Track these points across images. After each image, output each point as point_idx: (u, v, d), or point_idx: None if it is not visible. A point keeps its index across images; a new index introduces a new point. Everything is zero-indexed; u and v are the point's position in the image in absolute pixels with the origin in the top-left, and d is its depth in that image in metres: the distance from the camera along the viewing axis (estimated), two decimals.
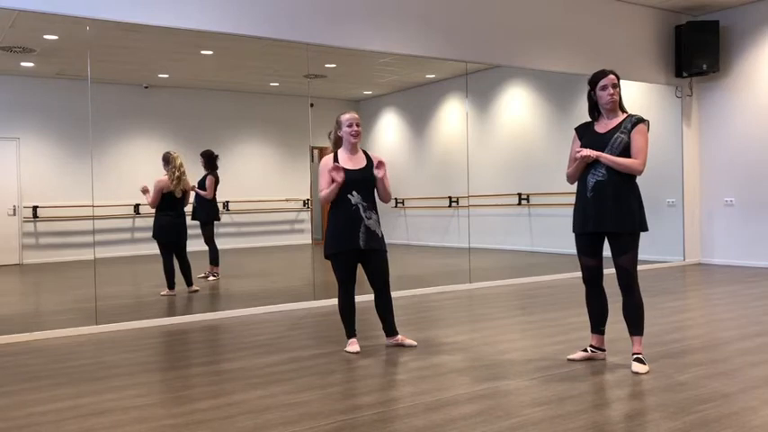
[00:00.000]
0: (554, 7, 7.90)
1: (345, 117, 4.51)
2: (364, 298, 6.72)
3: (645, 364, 3.78)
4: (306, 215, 10.25)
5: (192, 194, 7.45)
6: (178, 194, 6.88)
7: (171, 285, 6.87)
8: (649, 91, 9.34)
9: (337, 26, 6.45)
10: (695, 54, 8.74)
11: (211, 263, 7.81)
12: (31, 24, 6.73)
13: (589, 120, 4.03)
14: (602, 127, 3.91)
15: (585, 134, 3.97)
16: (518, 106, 10.98)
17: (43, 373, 4.06)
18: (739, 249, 8.89)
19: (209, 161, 7.79)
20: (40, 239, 9.44)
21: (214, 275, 7.81)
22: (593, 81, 3.91)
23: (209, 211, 7.74)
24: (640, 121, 3.84)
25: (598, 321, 4.02)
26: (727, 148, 9.00)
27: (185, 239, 7.02)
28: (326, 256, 4.49)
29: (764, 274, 8.02)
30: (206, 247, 7.75)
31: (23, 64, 8.82)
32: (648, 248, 9.86)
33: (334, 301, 6.38)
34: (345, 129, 4.50)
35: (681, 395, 3.32)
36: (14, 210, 9.35)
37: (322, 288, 6.78)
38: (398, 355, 4.34)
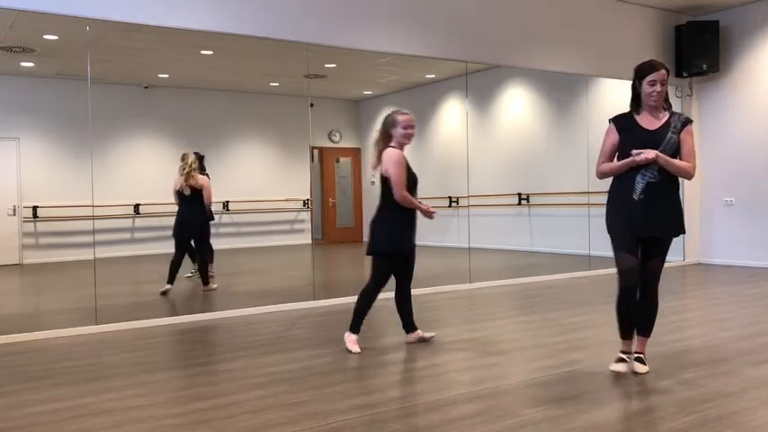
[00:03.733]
0: (554, 7, 7.90)
1: (404, 118, 4.38)
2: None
3: (645, 364, 3.77)
4: (306, 215, 10.25)
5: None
6: (186, 192, 7.05)
7: (170, 280, 6.91)
8: None
9: (337, 26, 6.45)
10: (695, 54, 8.74)
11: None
12: (31, 24, 6.72)
13: (625, 112, 3.73)
14: (649, 123, 3.63)
15: (629, 129, 3.65)
16: (518, 106, 10.98)
17: (43, 373, 4.05)
18: (739, 249, 8.89)
19: (202, 162, 7.88)
20: (40, 239, 9.44)
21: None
22: (642, 73, 3.63)
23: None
24: (689, 121, 3.64)
25: (632, 326, 3.76)
26: (727, 148, 9.00)
27: (196, 235, 7.19)
28: (377, 253, 4.42)
29: (764, 274, 8.01)
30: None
31: (23, 64, 8.81)
32: None
33: (334, 300, 6.42)
34: (401, 130, 4.38)
35: (681, 395, 3.32)
36: (14, 210, 9.35)
37: (322, 288, 6.78)
38: (398, 354, 4.34)
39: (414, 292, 6.96)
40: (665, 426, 2.90)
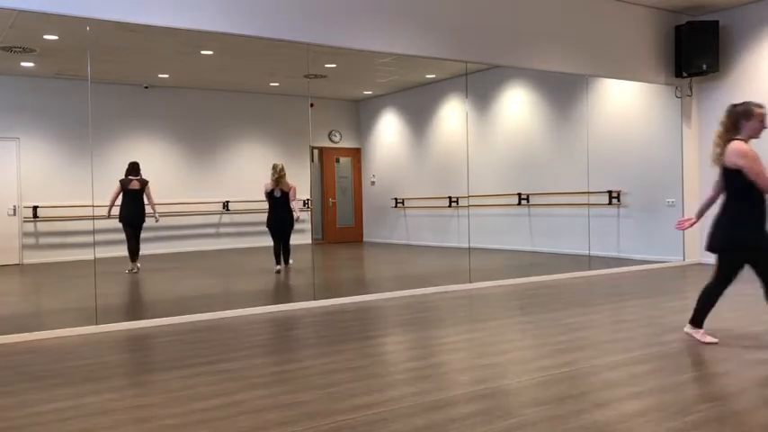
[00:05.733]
0: (554, 7, 7.90)
1: (762, 111, 4.37)
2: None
3: None
4: (306, 215, 10.25)
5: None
6: (276, 194, 8.43)
7: (278, 262, 8.51)
8: (649, 91, 9.33)
9: (337, 26, 6.45)
10: (695, 54, 8.73)
11: (134, 259, 8.65)
12: (31, 24, 6.73)
13: None
14: None
15: None
16: (518, 106, 10.99)
17: (43, 373, 4.06)
18: None
19: (128, 170, 8.57)
20: (40, 239, 9.45)
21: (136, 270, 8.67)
22: None
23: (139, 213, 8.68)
24: None
25: None
26: None
27: (280, 229, 8.49)
28: (722, 249, 4.49)
29: None
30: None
31: (23, 64, 8.82)
32: (648, 248, 9.88)
33: (334, 300, 6.42)
34: (757, 124, 4.36)
35: (681, 395, 3.32)
36: (14, 210, 9.35)
37: (322, 288, 6.78)
38: (398, 355, 4.35)
39: (414, 292, 7.03)
40: (665, 426, 2.90)
